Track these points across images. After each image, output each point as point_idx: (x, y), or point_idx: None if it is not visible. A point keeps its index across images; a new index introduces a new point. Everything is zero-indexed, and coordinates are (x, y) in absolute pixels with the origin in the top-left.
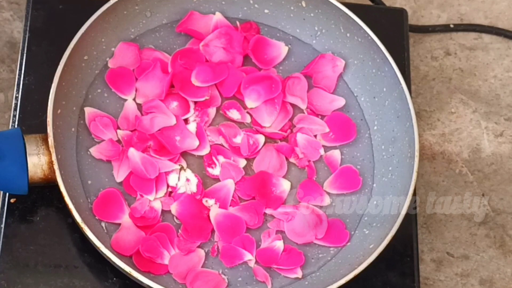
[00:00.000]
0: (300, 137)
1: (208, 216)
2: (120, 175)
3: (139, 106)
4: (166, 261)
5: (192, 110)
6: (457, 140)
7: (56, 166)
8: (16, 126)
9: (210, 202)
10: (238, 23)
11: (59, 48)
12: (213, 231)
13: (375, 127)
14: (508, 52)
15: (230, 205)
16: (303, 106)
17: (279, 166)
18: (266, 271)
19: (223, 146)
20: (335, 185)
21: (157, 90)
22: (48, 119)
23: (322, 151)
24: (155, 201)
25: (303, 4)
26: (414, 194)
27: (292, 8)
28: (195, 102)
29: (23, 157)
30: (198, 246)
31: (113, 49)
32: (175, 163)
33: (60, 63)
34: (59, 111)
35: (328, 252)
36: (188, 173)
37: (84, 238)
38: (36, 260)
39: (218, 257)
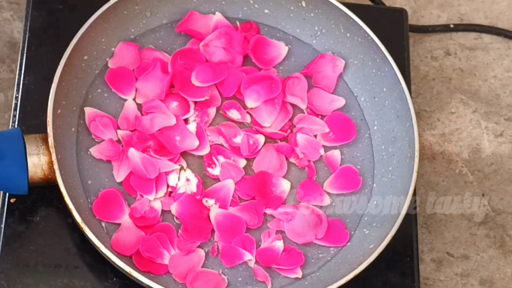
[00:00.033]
0: (300, 137)
1: (208, 216)
2: (120, 175)
3: (139, 106)
4: (166, 261)
5: (192, 110)
6: (457, 140)
7: (56, 166)
8: (16, 126)
9: (210, 202)
10: (238, 23)
11: (59, 48)
12: (213, 231)
13: (375, 127)
14: (508, 52)
15: (230, 205)
16: (303, 106)
17: (279, 166)
18: (266, 271)
19: (223, 146)
20: (335, 185)
21: (157, 90)
22: (48, 119)
23: (322, 151)
24: (155, 201)
25: (303, 4)
26: (414, 194)
27: (292, 8)
28: (195, 102)
29: (23, 157)
30: (198, 246)
31: (113, 49)
32: (175, 163)
33: (60, 63)
34: (59, 111)
35: (328, 252)
36: (188, 173)
37: (84, 238)
38: (36, 260)
39: (218, 257)
